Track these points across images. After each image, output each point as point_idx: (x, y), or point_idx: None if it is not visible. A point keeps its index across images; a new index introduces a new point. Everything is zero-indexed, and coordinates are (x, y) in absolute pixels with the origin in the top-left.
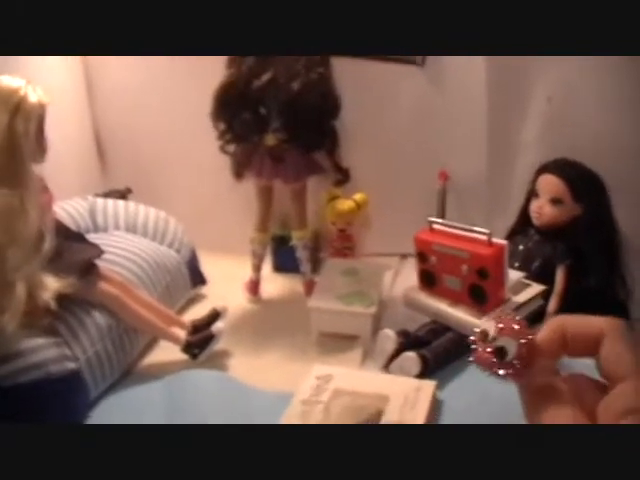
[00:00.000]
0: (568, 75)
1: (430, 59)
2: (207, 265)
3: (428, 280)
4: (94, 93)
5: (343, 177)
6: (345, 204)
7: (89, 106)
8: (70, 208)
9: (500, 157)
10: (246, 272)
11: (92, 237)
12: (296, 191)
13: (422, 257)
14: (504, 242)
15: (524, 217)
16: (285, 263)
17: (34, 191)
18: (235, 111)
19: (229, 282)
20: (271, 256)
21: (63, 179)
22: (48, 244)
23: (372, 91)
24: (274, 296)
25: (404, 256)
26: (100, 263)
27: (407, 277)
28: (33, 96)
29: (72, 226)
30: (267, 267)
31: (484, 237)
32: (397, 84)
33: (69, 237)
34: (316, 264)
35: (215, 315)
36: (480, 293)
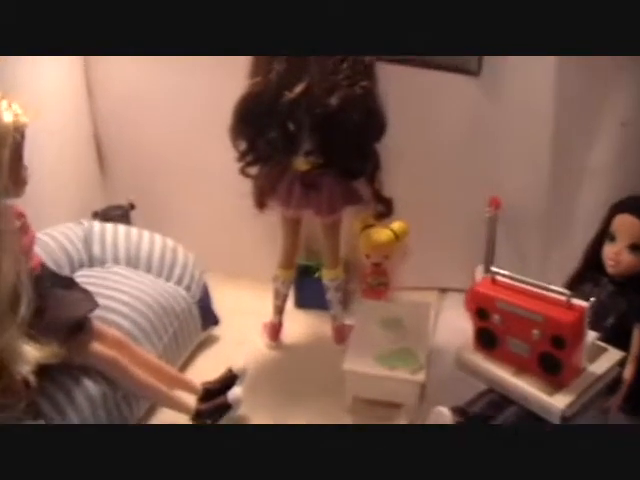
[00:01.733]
0: None
1: (487, 67)
2: (220, 297)
3: (487, 341)
4: (95, 98)
5: (385, 209)
6: (382, 234)
7: (89, 112)
8: (61, 237)
9: (563, 184)
10: (265, 306)
11: (86, 275)
12: (329, 225)
13: (482, 314)
14: (585, 304)
15: (592, 261)
16: (310, 298)
17: (9, 237)
18: (260, 128)
19: (246, 319)
20: (294, 289)
21: (60, 193)
22: (25, 307)
23: (417, 104)
24: (298, 341)
25: (444, 290)
26: (94, 317)
27: (450, 317)
28: (7, 115)
29: (63, 259)
30: (289, 301)
31: (561, 297)
32: (447, 96)
33: (55, 284)
34: (346, 298)
35: (231, 378)
36: (553, 363)
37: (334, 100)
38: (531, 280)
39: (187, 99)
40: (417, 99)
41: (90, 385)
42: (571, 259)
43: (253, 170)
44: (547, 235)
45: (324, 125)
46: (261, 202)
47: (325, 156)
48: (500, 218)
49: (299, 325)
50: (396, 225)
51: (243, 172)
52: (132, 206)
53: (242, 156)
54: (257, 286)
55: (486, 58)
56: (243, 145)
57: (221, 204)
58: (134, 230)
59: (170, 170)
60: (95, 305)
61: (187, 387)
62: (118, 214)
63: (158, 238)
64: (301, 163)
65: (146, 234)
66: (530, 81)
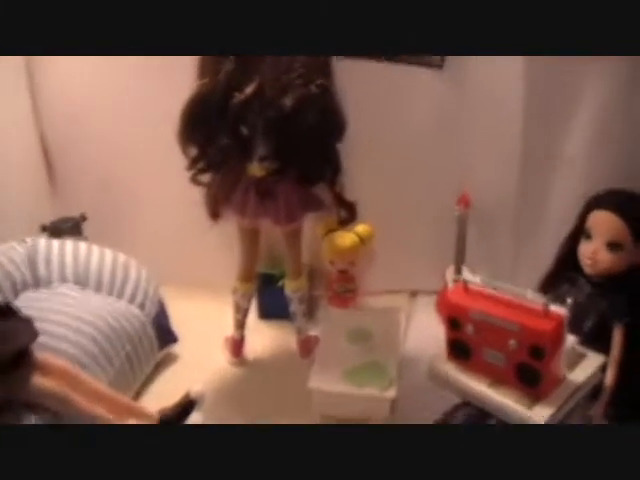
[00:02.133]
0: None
1: (450, 59)
2: (178, 313)
3: (461, 351)
4: (40, 104)
5: (349, 214)
6: (346, 239)
7: (34, 116)
8: (2, 258)
9: (535, 178)
10: (226, 319)
11: (31, 298)
12: (289, 233)
13: (454, 324)
14: (563, 311)
15: (568, 260)
16: (274, 308)
17: None
18: (209, 133)
19: (206, 334)
20: (256, 299)
21: (5, 207)
22: None
23: (378, 100)
24: (262, 356)
25: (414, 293)
26: (36, 346)
27: (421, 322)
28: None
29: (5, 283)
30: (252, 312)
31: (537, 304)
32: (410, 91)
33: None
34: (311, 306)
35: (189, 404)
36: (531, 374)
37: (288, 101)
38: (506, 285)
39: (137, 104)
40: (378, 95)
41: (33, 422)
42: (544, 257)
43: (205, 178)
44: (519, 232)
45: (278, 128)
46: (215, 212)
47: (281, 161)
48: (470, 216)
49: (263, 338)
50: (361, 228)
51: (194, 180)
52: (83, 218)
53: (192, 163)
54: (217, 298)
55: None
56: (193, 151)
57: (175, 213)
58: (83, 245)
59: (122, 178)
60: (35, 335)
61: (141, 416)
62: (68, 227)
63: (108, 253)
64: (256, 169)
65: (95, 250)
66: (497, 71)
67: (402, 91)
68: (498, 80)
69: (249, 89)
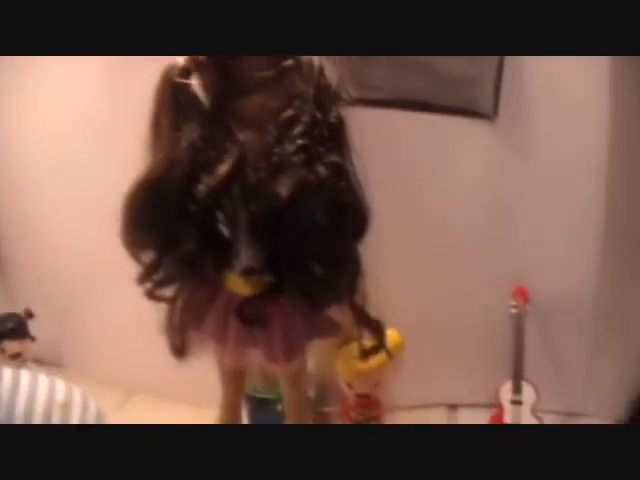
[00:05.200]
0: None
1: (505, 107)
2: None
3: None
4: None
5: (377, 338)
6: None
7: None
8: None
9: (618, 266)
10: None
11: None
12: (290, 373)
13: None
14: None
15: None
16: None
17: None
18: (167, 233)
19: None
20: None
21: None
22: None
23: (408, 162)
24: None
25: (453, 407)
26: None
27: None
28: None
29: None
30: None
31: None
32: (452, 149)
33: None
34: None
35: None
36: None
37: (283, 187)
38: None
39: (92, 191)
40: (409, 155)
41: None
42: (628, 370)
43: (169, 290)
44: (594, 337)
45: (269, 227)
46: (180, 344)
47: (274, 274)
48: (529, 314)
49: None
50: (388, 337)
51: (151, 295)
52: (30, 314)
53: (146, 274)
54: (198, 412)
55: (504, 95)
56: (146, 256)
57: (139, 313)
58: (7, 374)
59: (75, 272)
60: None
61: None
62: (10, 327)
63: (43, 382)
64: (238, 284)
65: (24, 376)
66: (567, 123)
67: (443, 150)
68: (570, 135)
69: (223, 168)
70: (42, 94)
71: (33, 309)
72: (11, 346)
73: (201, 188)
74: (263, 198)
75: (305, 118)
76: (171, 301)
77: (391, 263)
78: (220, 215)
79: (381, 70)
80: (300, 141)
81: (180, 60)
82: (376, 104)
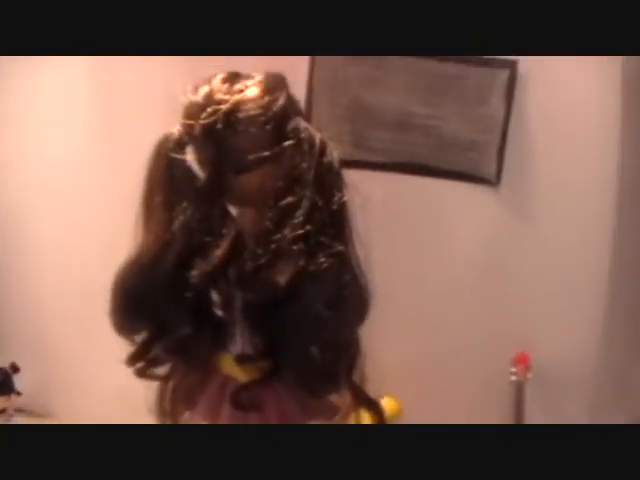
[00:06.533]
0: None
1: (508, 174)
2: None
3: None
4: None
5: (375, 418)
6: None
7: None
8: None
9: (622, 336)
10: None
11: None
12: None
13: None
14: None
15: None
16: None
17: None
18: (160, 317)
19: None
20: None
21: None
22: None
23: (409, 225)
24: None
25: None
26: None
27: None
28: None
29: None
30: None
31: None
32: (456, 214)
33: None
34: None
35: None
36: None
37: (281, 277)
38: None
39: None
40: (410, 219)
41: None
42: None
43: (161, 369)
44: (597, 407)
45: (265, 314)
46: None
47: (270, 360)
48: (530, 382)
49: None
50: (385, 404)
51: (141, 374)
52: (15, 369)
53: (137, 355)
54: None
55: (507, 162)
56: (140, 334)
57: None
58: None
59: (61, 324)
60: None
61: None
62: None
63: None
64: (233, 369)
65: None
66: (571, 189)
67: (447, 215)
68: (574, 202)
69: (218, 253)
70: None
71: (18, 362)
72: None
73: (195, 274)
74: (260, 285)
75: (305, 203)
76: (163, 380)
77: (390, 329)
78: (214, 295)
79: (383, 132)
80: (300, 230)
81: (174, 132)
82: (377, 167)
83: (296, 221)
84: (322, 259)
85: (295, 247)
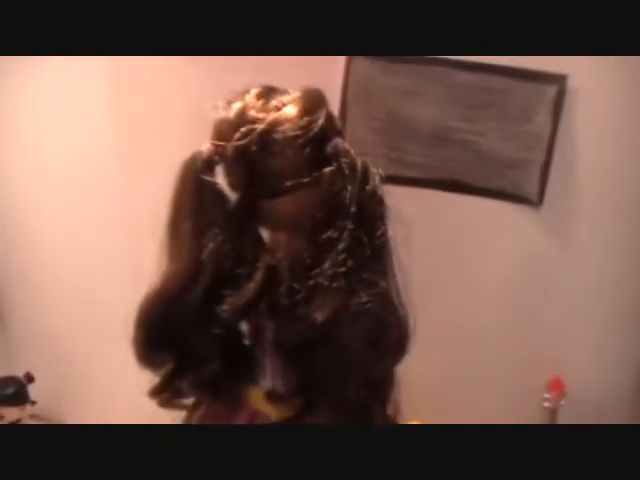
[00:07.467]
0: None
1: (551, 195)
2: None
3: None
4: None
5: None
6: None
7: None
8: None
9: None
10: None
11: None
12: None
13: None
14: None
15: None
16: None
17: None
18: (187, 349)
19: None
20: None
21: None
22: None
23: (451, 245)
24: None
25: None
26: None
27: None
28: None
29: None
30: None
31: None
32: (495, 235)
33: None
34: None
35: None
36: None
37: (319, 313)
38: None
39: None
40: (452, 237)
41: None
42: None
43: (189, 399)
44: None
45: (299, 352)
46: None
47: (302, 397)
48: (564, 409)
49: None
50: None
51: (167, 404)
52: (30, 378)
53: (163, 385)
54: None
55: (550, 182)
56: (164, 366)
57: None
58: None
59: (75, 331)
60: None
61: None
62: (10, 393)
63: None
64: (263, 404)
65: None
66: (617, 212)
67: (480, 235)
68: (621, 226)
69: (251, 287)
70: None
71: (33, 369)
72: (11, 413)
73: (225, 308)
74: (296, 322)
75: (347, 236)
76: (189, 410)
77: (422, 351)
78: (244, 325)
79: (421, 146)
80: (342, 267)
81: (203, 150)
82: (412, 182)
83: (337, 256)
84: (364, 298)
85: (335, 284)
